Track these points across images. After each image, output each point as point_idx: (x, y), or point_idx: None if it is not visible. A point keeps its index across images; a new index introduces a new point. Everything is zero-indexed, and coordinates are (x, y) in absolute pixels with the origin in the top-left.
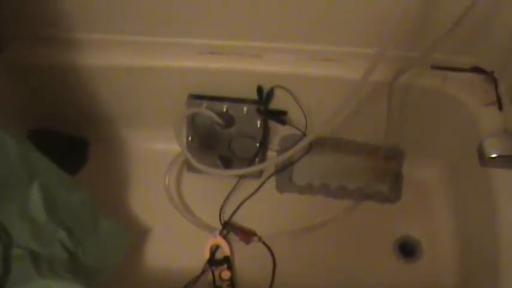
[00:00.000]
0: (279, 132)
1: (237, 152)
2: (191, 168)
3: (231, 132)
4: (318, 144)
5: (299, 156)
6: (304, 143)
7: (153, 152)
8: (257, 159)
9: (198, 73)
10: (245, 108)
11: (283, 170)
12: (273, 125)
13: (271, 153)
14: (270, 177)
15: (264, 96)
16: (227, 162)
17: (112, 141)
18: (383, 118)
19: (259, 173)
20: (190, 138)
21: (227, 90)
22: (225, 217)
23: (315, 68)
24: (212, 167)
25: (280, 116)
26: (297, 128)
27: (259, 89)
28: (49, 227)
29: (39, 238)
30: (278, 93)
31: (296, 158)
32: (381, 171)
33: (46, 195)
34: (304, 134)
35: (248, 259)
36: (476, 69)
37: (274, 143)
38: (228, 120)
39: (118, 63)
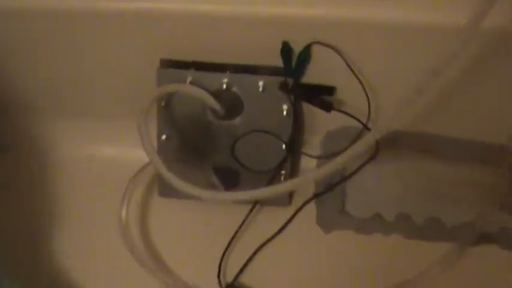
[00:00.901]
0: (320, 124)
1: (246, 160)
2: (166, 191)
3: (236, 126)
4: (390, 145)
5: (357, 167)
6: (365, 142)
7: (100, 163)
8: (283, 173)
9: (178, 22)
10: (260, 83)
11: (330, 191)
12: (311, 111)
13: (306, 162)
14: (306, 204)
15: (293, 62)
16: (229, 179)
17: (27, 145)
18: (507, 97)
19: (287, 198)
20: (164, 138)
21: (229, 51)
22: (229, 276)
23: (383, 8)
24: (203, 188)
25: (322, 96)
26: (353, 117)
27: (286, 49)
28: None
29: None
30: (318, 55)
31: (352, 170)
32: (508, 192)
33: None
34: (366, 127)
35: None
36: None
37: (313, 143)
38: (231, 104)
39: (33, 3)
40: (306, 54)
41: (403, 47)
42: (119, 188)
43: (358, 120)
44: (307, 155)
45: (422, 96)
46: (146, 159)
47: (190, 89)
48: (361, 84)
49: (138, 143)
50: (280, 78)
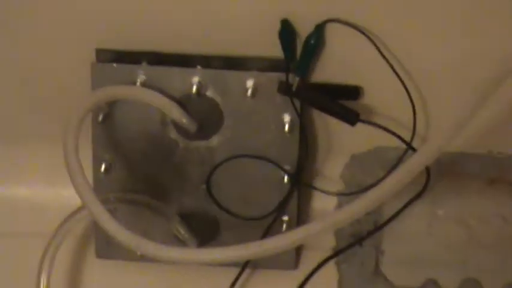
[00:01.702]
0: (341, 144)
1: (229, 201)
2: (107, 250)
3: (214, 149)
4: (447, 174)
5: (398, 209)
6: (410, 170)
7: (11, 208)
8: (285, 219)
9: None
10: (249, 84)
11: (358, 245)
12: (326, 125)
13: (321, 201)
14: (322, 265)
15: (298, 50)
16: (204, 229)
17: None
18: None
19: (293, 257)
20: (103, 168)
21: (199, 35)
22: None
23: None
24: (164, 244)
25: (343, 101)
26: (390, 132)
27: (286, 30)
28: None
29: None
30: (335, 40)
31: (390, 214)
32: None
33: None
34: (410, 147)
35: None
36: None
37: (331, 173)
38: (205, 116)
39: None
40: (317, 39)
41: (468, 25)
42: (38, 243)
43: (398, 136)
44: (322, 191)
45: (493, 101)
46: (77, 202)
47: (143, 94)
48: (402, 82)
49: (65, 177)
50: (279, 76)
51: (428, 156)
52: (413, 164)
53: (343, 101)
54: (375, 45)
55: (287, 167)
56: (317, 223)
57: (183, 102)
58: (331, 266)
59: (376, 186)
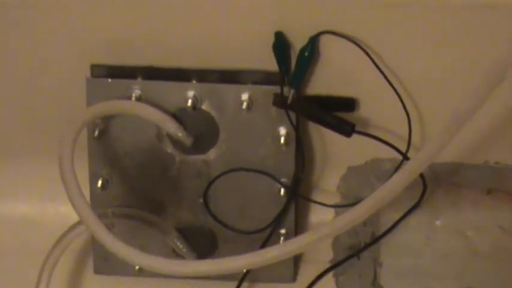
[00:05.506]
0: (338, 156)
1: (226, 214)
2: (105, 266)
3: (210, 163)
4: (443, 184)
5: (395, 220)
6: (405, 177)
7: (7, 225)
8: (283, 233)
9: (115, 4)
10: (244, 97)
11: (355, 257)
12: (322, 137)
13: (319, 214)
14: (320, 278)
15: (293, 62)
16: (202, 244)
17: None
18: None
19: (292, 270)
20: (100, 184)
21: (194, 50)
22: None
23: None
24: (163, 258)
25: (339, 113)
26: (386, 143)
27: (280, 43)
28: None
29: None
30: (330, 52)
31: (388, 226)
32: None
33: None
34: (406, 157)
35: None
36: None
37: (328, 185)
38: (201, 130)
39: None
40: (311, 51)
41: (462, 35)
42: (35, 260)
43: (393, 147)
44: (319, 203)
45: (486, 106)
46: (74, 218)
47: (138, 109)
48: (397, 93)
49: (62, 193)
50: (274, 88)
51: (422, 163)
52: (408, 172)
53: (338, 113)
54: (369, 56)
55: (284, 180)
56: (314, 233)
57: (178, 117)
58: (329, 278)
59: (370, 195)
